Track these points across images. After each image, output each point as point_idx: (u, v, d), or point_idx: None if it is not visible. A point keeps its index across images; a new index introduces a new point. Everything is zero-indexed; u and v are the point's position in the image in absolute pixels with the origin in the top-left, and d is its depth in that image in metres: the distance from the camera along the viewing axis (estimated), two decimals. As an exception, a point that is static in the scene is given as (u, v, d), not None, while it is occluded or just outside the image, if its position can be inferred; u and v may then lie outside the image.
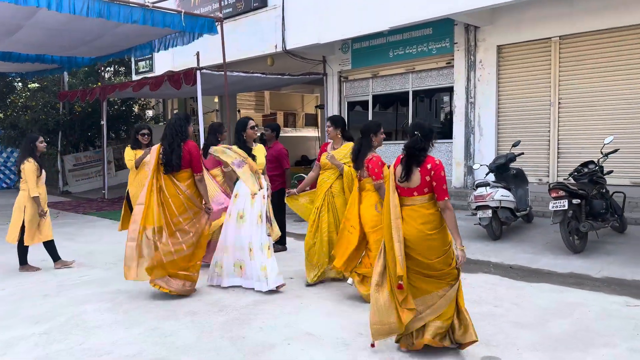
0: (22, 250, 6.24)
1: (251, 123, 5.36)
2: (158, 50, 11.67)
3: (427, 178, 3.52)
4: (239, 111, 18.48)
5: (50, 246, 6.37)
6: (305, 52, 12.61)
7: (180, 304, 4.84)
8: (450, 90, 10.94)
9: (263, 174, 5.42)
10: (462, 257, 3.56)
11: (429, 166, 3.52)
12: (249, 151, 5.28)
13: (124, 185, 16.30)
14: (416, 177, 3.53)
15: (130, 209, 6.16)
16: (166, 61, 15.14)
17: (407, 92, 11.80)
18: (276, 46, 12.38)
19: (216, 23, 10.14)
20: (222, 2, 12.75)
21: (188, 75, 10.63)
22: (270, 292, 5.03)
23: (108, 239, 8.34)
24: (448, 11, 9.09)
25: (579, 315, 4.43)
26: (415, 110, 11.89)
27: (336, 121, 5.41)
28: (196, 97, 10.35)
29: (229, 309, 4.68)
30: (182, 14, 9.46)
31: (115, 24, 9.16)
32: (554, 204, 6.31)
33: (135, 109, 19.05)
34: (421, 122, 3.69)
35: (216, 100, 18.68)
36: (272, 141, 6.89)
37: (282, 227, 6.71)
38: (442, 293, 3.55)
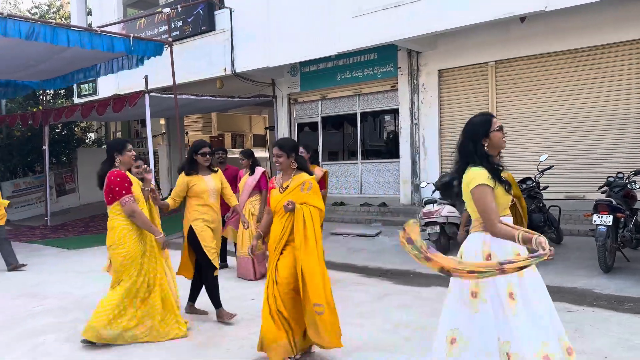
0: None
1: (496, 123, 2.93)
2: (104, 74, 11.52)
3: None
4: (186, 133, 18.36)
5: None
6: (254, 75, 12.80)
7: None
8: (395, 112, 11.43)
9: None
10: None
11: None
12: (498, 172, 2.88)
13: (67, 212, 15.72)
14: None
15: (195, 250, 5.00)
16: (110, 84, 14.91)
17: (355, 114, 12.21)
18: (225, 69, 12.52)
19: (165, 47, 10.17)
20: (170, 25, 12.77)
21: (135, 99, 10.56)
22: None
23: (58, 267, 8.10)
24: (392, 38, 9.57)
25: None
26: (362, 130, 12.30)
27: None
28: (140, 120, 10.21)
29: (194, 332, 4.71)
30: (131, 38, 9.45)
31: (62, 48, 9.02)
32: (497, 218, 6.73)
33: (77, 132, 18.56)
34: None
35: (162, 122, 18.49)
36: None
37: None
38: None
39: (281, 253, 3.88)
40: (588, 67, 8.95)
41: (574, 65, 9.08)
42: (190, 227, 4.92)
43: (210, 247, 4.90)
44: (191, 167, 5.00)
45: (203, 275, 5.02)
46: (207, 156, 5.01)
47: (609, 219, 6.02)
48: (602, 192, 6.82)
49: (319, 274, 3.74)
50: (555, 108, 9.32)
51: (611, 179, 6.82)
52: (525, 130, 9.65)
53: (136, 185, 4.59)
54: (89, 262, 8.33)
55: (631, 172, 6.79)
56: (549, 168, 7.72)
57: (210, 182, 5.03)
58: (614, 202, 6.17)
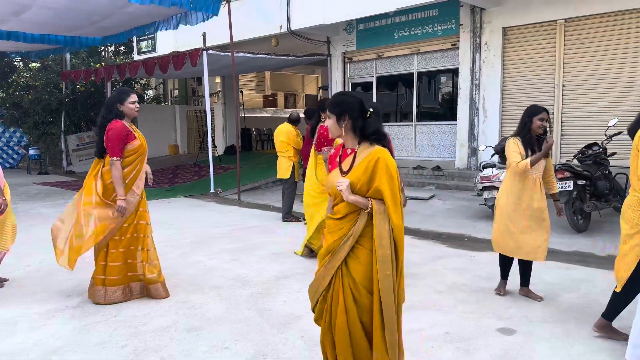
0: None
1: None
2: (161, 30, 11.65)
3: None
4: (241, 92, 18.51)
5: None
6: (309, 33, 12.66)
7: (204, 279, 5.03)
8: (454, 72, 11.06)
9: None
10: None
11: None
12: None
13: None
14: None
15: None
16: (168, 41, 15.14)
17: (412, 74, 11.91)
18: (281, 27, 12.43)
19: (222, 3, 10.15)
20: (226, -18, 12.73)
21: (194, 56, 10.69)
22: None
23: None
24: (455, -7, 9.17)
25: (585, 290, 4.65)
26: (418, 91, 12.00)
27: None
28: (197, 78, 10.36)
29: (252, 283, 4.87)
30: (190, -7, 9.47)
31: (123, 3, 9.18)
32: (559, 184, 6.49)
33: (137, 89, 19.07)
34: None
35: (218, 80, 18.72)
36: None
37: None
38: None
39: None
40: (668, 25, 8.31)
41: (650, 24, 8.45)
42: None
43: None
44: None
45: None
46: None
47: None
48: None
49: None
50: (626, 70, 8.75)
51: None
52: (594, 93, 9.15)
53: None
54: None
55: None
56: (618, 133, 7.31)
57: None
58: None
